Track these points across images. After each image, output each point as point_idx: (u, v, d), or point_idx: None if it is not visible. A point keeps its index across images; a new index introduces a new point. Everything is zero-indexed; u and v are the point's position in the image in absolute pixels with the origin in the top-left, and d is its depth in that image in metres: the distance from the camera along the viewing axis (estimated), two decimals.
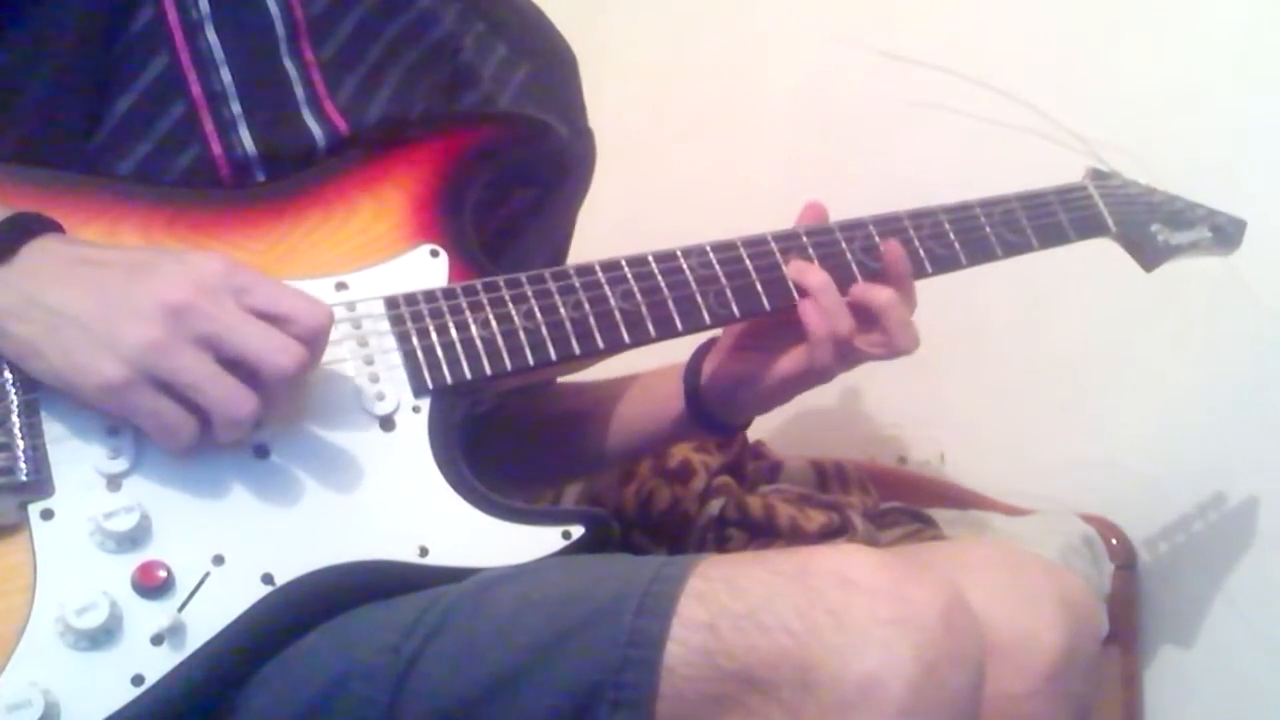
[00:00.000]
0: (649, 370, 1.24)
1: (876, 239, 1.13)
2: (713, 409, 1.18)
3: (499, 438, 1.23)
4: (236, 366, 0.86)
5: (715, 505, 1.52)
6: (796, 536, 1.47)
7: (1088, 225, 1.25)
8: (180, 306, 0.85)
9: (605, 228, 1.29)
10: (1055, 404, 1.79)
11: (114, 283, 0.86)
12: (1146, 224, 1.30)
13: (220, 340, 0.86)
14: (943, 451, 1.88)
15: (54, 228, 0.90)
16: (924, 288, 1.17)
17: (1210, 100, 1.65)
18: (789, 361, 1.12)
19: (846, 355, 1.10)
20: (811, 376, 1.12)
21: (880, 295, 1.10)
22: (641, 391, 1.24)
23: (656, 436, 1.24)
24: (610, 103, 1.31)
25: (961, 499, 1.78)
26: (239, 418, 0.86)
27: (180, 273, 0.86)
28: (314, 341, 0.89)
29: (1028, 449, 1.81)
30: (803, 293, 1.09)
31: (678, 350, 1.17)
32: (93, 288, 0.86)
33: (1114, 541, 1.69)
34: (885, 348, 1.11)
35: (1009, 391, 1.83)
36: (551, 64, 1.23)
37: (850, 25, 1.90)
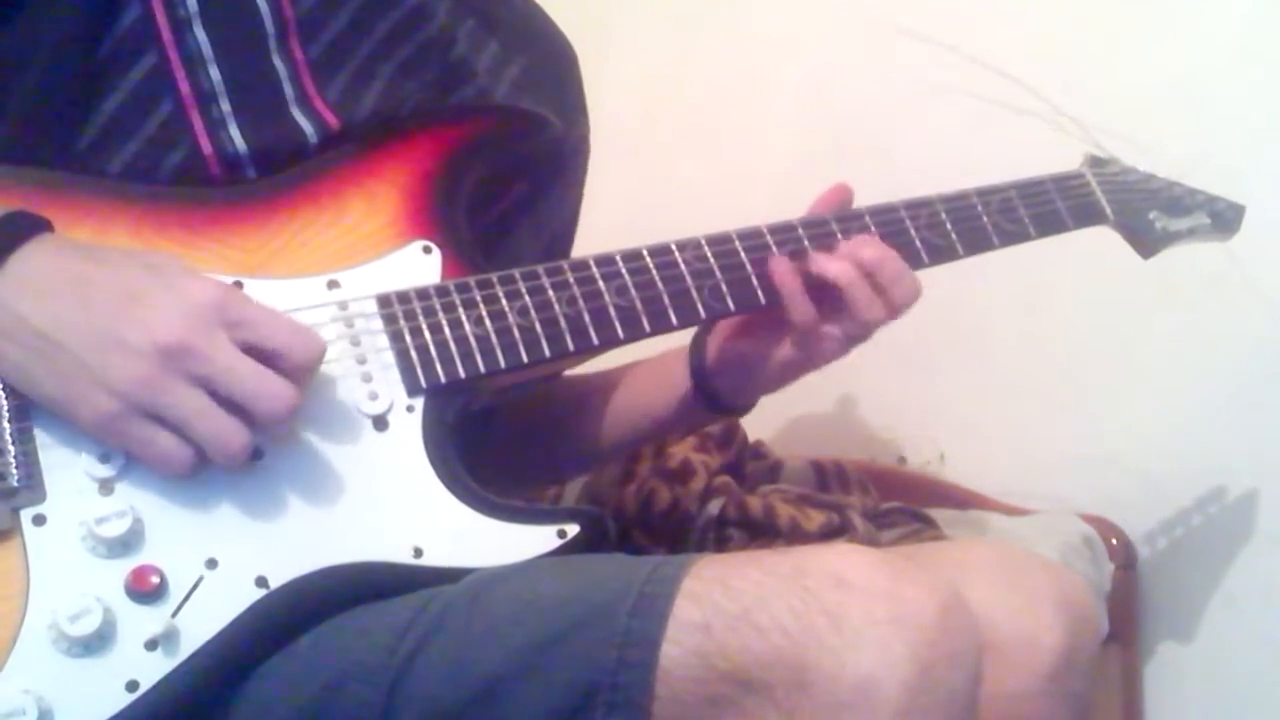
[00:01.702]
0: (649, 357, 1.23)
1: (874, 230, 1.12)
2: (719, 390, 1.17)
3: (498, 436, 1.23)
4: (229, 404, 0.86)
5: (715, 505, 1.52)
6: (796, 536, 1.46)
7: (1085, 213, 1.24)
8: (173, 347, 0.85)
9: (605, 225, 1.29)
10: (1055, 404, 1.78)
11: (106, 310, 0.85)
12: (1144, 211, 1.29)
13: (213, 382, 0.86)
14: (943, 451, 1.88)
15: (44, 226, 0.90)
16: (924, 287, 1.17)
17: (1213, 88, 1.64)
18: (790, 341, 1.10)
19: (855, 319, 1.09)
20: (817, 357, 1.10)
21: (831, 267, 1.08)
22: (644, 377, 1.23)
23: (661, 421, 1.22)
24: (610, 99, 1.31)
25: (961, 499, 1.78)
26: (232, 453, 0.87)
27: (173, 305, 0.86)
28: (305, 375, 0.89)
29: (1028, 449, 1.81)
30: (775, 277, 1.08)
31: (674, 344, 1.16)
32: (84, 312, 0.85)
33: (1114, 541, 1.69)
34: (888, 307, 1.09)
35: (1009, 391, 1.83)
36: (547, 59, 1.23)
37: (850, 14, 1.90)
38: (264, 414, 0.87)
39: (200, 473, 0.88)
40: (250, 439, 0.87)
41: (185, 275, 0.89)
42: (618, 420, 1.25)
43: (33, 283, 0.86)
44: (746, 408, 1.21)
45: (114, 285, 0.87)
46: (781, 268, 1.08)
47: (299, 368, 0.88)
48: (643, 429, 1.25)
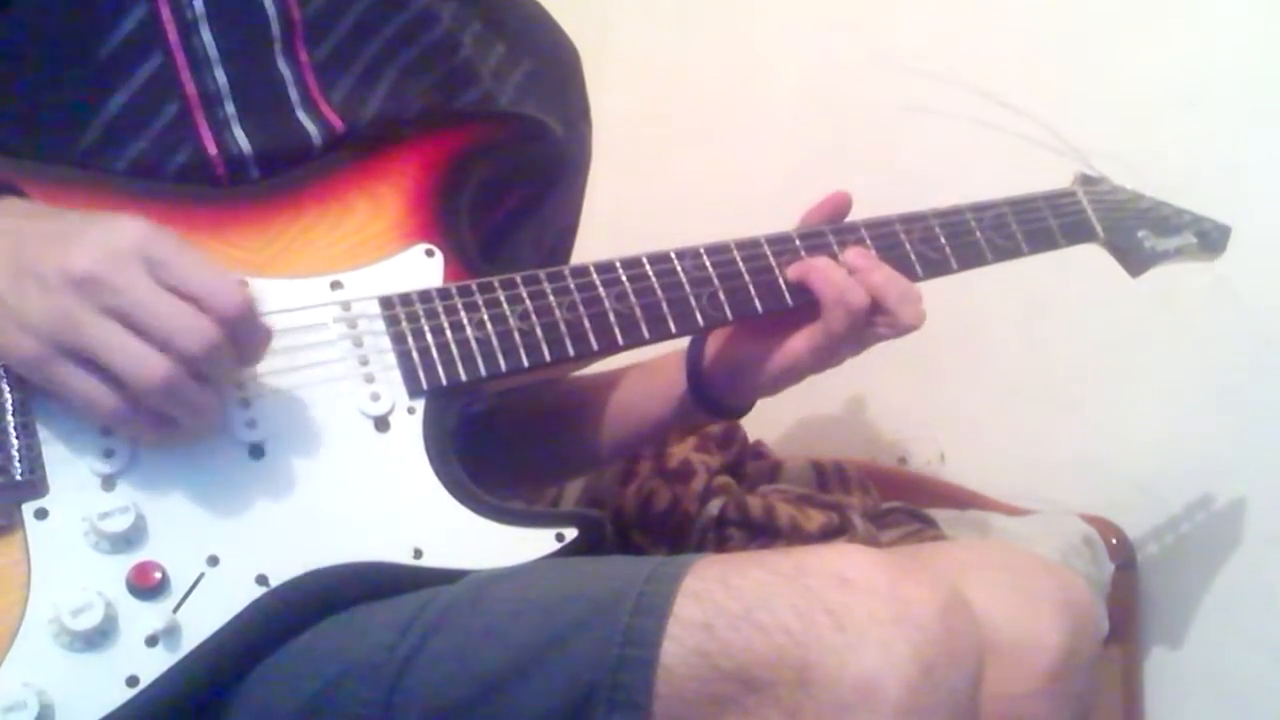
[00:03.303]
0: (648, 359, 1.23)
1: (869, 243, 1.13)
2: (716, 391, 1.17)
3: (499, 436, 1.23)
4: (150, 340, 0.83)
5: (715, 505, 1.52)
6: (796, 536, 1.46)
7: (1077, 231, 1.25)
8: (85, 277, 0.82)
9: (602, 229, 1.29)
10: (1055, 404, 1.79)
11: (30, 253, 0.84)
12: (1134, 230, 1.31)
13: (126, 315, 0.83)
14: (943, 452, 1.88)
15: (13, 192, 0.90)
16: (924, 288, 1.17)
17: (1203, 101, 1.65)
18: (798, 340, 1.10)
19: (858, 331, 1.09)
20: (822, 353, 1.10)
21: (877, 274, 1.09)
22: (642, 379, 1.23)
23: (659, 422, 1.22)
24: (608, 104, 1.31)
25: (961, 499, 1.78)
26: (150, 382, 0.83)
27: (93, 240, 0.84)
28: (233, 324, 0.85)
29: (1028, 449, 1.81)
30: (811, 275, 1.08)
31: (674, 349, 1.16)
32: (9, 258, 0.84)
33: (1114, 541, 1.69)
34: (891, 326, 1.09)
35: (1009, 391, 1.83)
36: (552, 61, 1.23)
37: (847, 29, 1.90)
38: (181, 348, 0.83)
39: (189, 447, 0.88)
40: (171, 370, 0.83)
41: (117, 217, 0.87)
42: (616, 422, 1.24)
43: None
44: (741, 410, 1.20)
45: (45, 231, 0.85)
46: (819, 279, 1.09)
47: (221, 315, 0.85)
48: (640, 431, 1.25)
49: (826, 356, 1.10)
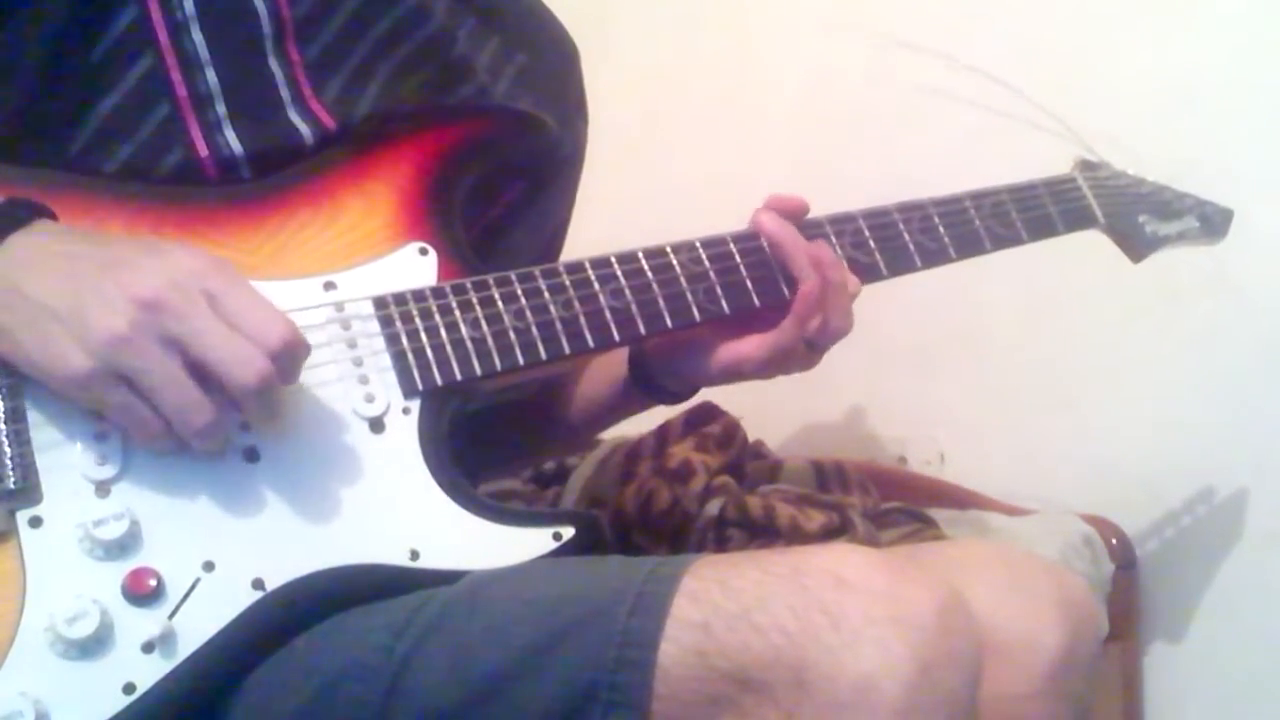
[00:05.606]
0: None
1: (867, 233, 1.13)
2: (655, 374, 1.16)
3: (485, 419, 1.22)
4: (201, 371, 0.86)
5: (715, 505, 1.52)
6: (796, 536, 1.46)
7: (1077, 217, 1.25)
8: (150, 302, 0.84)
9: (603, 226, 1.28)
10: (1055, 404, 1.78)
11: (89, 273, 0.85)
12: (1134, 215, 1.30)
13: (186, 343, 0.85)
14: (943, 451, 1.87)
15: (46, 213, 0.90)
16: (924, 288, 1.17)
17: (1204, 92, 1.65)
18: (750, 343, 1.09)
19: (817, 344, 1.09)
20: (777, 360, 1.09)
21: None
22: (597, 364, 1.24)
23: (605, 404, 1.23)
24: (608, 99, 1.31)
25: (961, 499, 1.77)
26: (195, 429, 0.86)
27: (156, 267, 0.86)
28: (282, 359, 0.87)
29: (1028, 449, 1.81)
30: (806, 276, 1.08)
31: None
32: (69, 278, 0.85)
33: (1114, 541, 1.69)
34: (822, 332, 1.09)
35: (1009, 391, 1.83)
36: (549, 55, 1.22)
37: (845, 16, 1.89)
38: (235, 382, 0.85)
39: (189, 452, 0.88)
40: (215, 417, 0.86)
41: (175, 246, 0.89)
42: (573, 405, 1.26)
43: (28, 259, 0.87)
44: (681, 395, 1.19)
45: (102, 255, 0.87)
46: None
47: (270, 352, 0.86)
48: (589, 413, 1.26)
49: (781, 357, 1.09)
